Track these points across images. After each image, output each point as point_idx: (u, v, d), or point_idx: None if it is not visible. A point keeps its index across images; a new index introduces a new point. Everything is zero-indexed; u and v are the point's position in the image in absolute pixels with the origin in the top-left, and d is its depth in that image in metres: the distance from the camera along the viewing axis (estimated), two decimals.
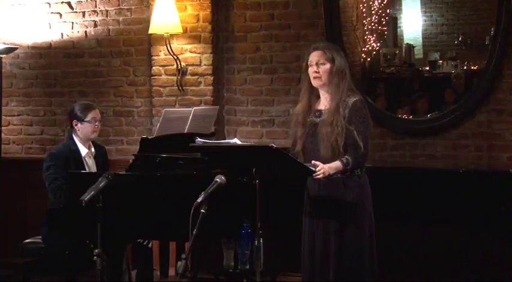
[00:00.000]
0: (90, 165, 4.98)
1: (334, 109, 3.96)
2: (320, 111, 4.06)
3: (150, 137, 5.13)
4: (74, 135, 4.96)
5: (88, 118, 4.92)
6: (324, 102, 4.07)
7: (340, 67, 4.02)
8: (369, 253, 4.00)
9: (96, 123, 4.96)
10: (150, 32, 5.94)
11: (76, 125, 4.93)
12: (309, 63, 4.05)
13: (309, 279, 4.05)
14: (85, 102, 5.12)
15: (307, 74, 4.07)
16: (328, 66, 4.00)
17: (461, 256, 5.30)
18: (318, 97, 4.11)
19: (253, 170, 3.81)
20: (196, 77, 6.03)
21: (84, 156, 4.95)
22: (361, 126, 3.95)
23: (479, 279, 5.23)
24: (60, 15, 6.47)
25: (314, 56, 4.03)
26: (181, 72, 6.03)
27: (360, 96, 4.07)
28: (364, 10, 6.45)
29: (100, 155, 5.09)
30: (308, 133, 4.05)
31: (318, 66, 4.00)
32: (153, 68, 6.14)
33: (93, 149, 5.01)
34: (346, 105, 3.96)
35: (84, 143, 4.96)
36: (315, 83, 4.04)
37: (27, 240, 5.07)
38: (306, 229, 4.08)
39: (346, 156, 3.92)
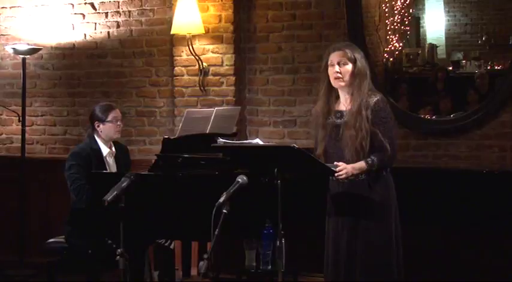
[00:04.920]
0: (111, 164, 5.01)
1: (356, 111, 3.91)
2: (341, 112, 4.01)
3: (172, 137, 5.13)
4: (95, 135, 4.99)
5: (109, 118, 4.95)
6: (344, 103, 4.03)
7: (362, 68, 3.97)
8: (395, 254, 3.97)
9: (118, 123, 4.99)
10: (172, 32, 5.95)
11: (98, 126, 4.96)
12: (329, 63, 4.00)
13: (332, 279, 4.03)
14: (104, 103, 5.16)
15: (327, 74, 4.02)
16: (350, 66, 3.96)
17: (485, 257, 5.26)
18: (337, 97, 4.06)
19: (275, 170, 3.81)
20: (218, 77, 6.03)
21: (106, 155, 4.98)
22: (385, 127, 3.90)
23: (505, 280, 5.19)
24: (84, 16, 6.51)
25: (335, 56, 3.98)
26: (203, 72, 6.04)
27: (381, 95, 4.02)
28: (386, 10, 6.44)
29: (121, 154, 5.12)
30: (330, 136, 4.01)
31: (339, 66, 3.97)
32: (175, 68, 6.15)
33: (113, 149, 5.04)
34: (368, 106, 3.91)
35: (105, 143, 4.99)
36: (336, 83, 3.99)
37: (51, 240, 5.11)
38: (330, 230, 4.06)
39: (371, 157, 3.88)
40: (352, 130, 3.90)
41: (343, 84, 3.98)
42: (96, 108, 5.02)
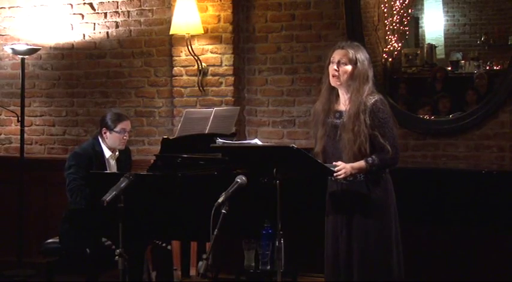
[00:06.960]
0: (112, 166, 5.01)
1: (354, 115, 3.87)
2: (340, 112, 4.00)
3: (171, 138, 5.14)
4: (100, 138, 4.99)
5: (117, 128, 4.94)
6: (344, 103, 4.01)
7: (362, 70, 3.93)
8: (395, 254, 3.96)
9: (125, 135, 4.98)
10: (171, 32, 5.95)
11: (105, 133, 4.96)
12: (331, 60, 3.98)
13: (332, 280, 4.02)
14: (117, 112, 5.13)
15: (328, 72, 4.01)
16: (349, 67, 3.94)
17: (483, 256, 5.27)
18: (338, 96, 4.04)
19: (274, 171, 3.80)
20: (217, 77, 6.03)
21: (108, 157, 4.98)
22: (385, 128, 3.88)
23: (503, 279, 5.19)
24: (82, 16, 6.51)
25: (337, 54, 3.96)
26: (202, 72, 6.03)
27: (380, 95, 3.98)
28: (385, 10, 6.43)
29: (124, 156, 5.12)
30: (329, 135, 4.00)
31: (338, 65, 3.95)
32: (174, 68, 6.15)
33: (117, 152, 5.05)
34: (365, 109, 3.87)
35: (109, 147, 5.00)
36: (332, 81, 3.97)
37: (49, 240, 5.11)
38: (329, 230, 4.05)
39: (372, 156, 3.86)
40: (350, 134, 3.87)
41: (338, 83, 3.96)
42: (108, 115, 5.02)
